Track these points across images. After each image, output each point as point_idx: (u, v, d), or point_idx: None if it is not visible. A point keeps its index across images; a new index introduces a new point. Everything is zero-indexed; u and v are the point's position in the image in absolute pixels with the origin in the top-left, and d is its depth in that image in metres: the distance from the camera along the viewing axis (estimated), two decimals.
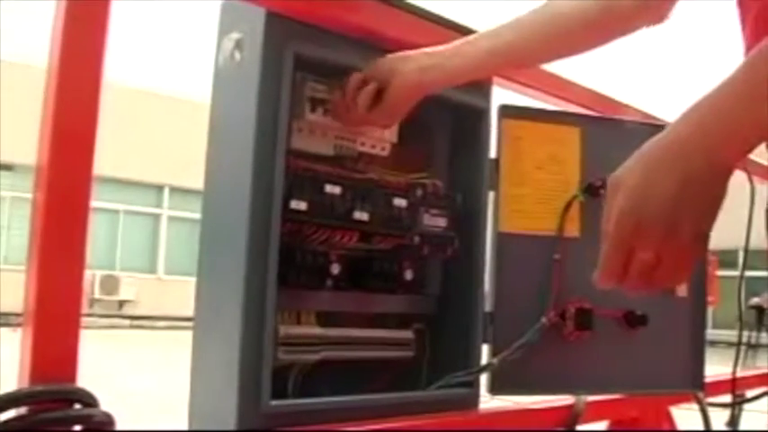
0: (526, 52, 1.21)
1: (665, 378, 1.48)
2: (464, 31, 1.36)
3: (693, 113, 0.79)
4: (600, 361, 1.41)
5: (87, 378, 0.90)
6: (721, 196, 0.80)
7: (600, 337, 1.39)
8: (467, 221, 1.38)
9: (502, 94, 1.48)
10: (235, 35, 1.17)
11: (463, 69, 1.19)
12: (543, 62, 1.37)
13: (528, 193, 1.38)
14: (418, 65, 1.18)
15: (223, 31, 1.20)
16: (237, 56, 1.16)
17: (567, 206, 1.38)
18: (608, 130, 1.43)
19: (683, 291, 1.47)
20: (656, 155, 0.80)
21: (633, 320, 1.42)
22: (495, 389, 1.34)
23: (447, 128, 1.45)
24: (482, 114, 1.41)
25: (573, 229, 1.38)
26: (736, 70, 0.78)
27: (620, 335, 1.42)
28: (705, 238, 0.80)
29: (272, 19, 1.13)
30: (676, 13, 1.15)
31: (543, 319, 1.33)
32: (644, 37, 1.20)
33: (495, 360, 1.32)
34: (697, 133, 0.78)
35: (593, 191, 1.38)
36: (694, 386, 1.54)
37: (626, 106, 1.74)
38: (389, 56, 1.20)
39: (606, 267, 0.81)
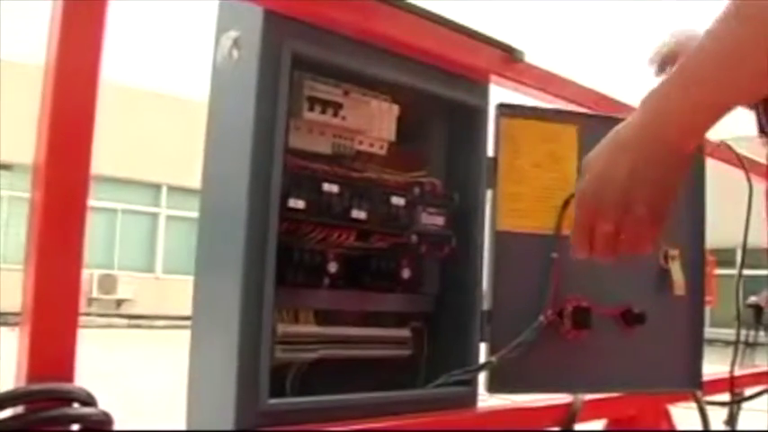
0: None
1: (662, 377, 1.48)
2: (462, 30, 1.36)
3: (650, 100, 0.85)
4: (598, 360, 1.41)
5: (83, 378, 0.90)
6: (677, 177, 0.86)
7: (598, 335, 1.39)
8: (465, 220, 1.38)
9: (499, 93, 1.47)
10: (232, 33, 1.16)
11: None
12: None
13: (526, 192, 1.38)
14: None
15: (221, 30, 1.20)
16: (235, 54, 1.16)
17: (565, 204, 1.38)
18: (605, 128, 1.42)
19: (680, 289, 1.47)
20: (616, 141, 0.87)
21: (631, 319, 1.42)
22: (492, 387, 1.34)
23: (445, 126, 1.45)
24: (480, 113, 1.41)
25: (571, 227, 1.38)
26: (685, 58, 0.82)
27: (617, 333, 1.42)
28: (662, 216, 0.86)
29: (270, 17, 1.12)
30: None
31: (541, 318, 1.33)
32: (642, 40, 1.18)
33: (493, 358, 1.32)
34: (652, 119, 0.84)
35: None
36: (692, 385, 1.54)
37: (624, 105, 1.74)
38: None
39: (574, 243, 0.91)
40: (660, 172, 0.84)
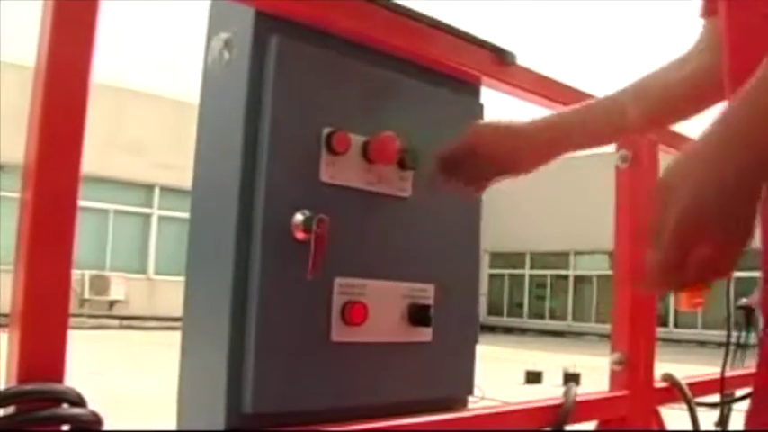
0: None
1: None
2: (453, 32, 1.36)
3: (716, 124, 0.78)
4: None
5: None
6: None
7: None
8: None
9: (491, 96, 1.48)
10: (223, 35, 1.16)
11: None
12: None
13: None
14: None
15: (212, 31, 1.20)
16: (226, 55, 1.16)
17: None
18: None
19: None
20: (704, 153, 0.77)
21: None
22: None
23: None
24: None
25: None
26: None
27: None
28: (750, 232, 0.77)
29: (261, 18, 1.13)
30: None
31: None
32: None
33: None
34: (736, 130, 0.76)
35: None
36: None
37: None
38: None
39: (663, 270, 0.78)
40: (758, 180, 0.75)
